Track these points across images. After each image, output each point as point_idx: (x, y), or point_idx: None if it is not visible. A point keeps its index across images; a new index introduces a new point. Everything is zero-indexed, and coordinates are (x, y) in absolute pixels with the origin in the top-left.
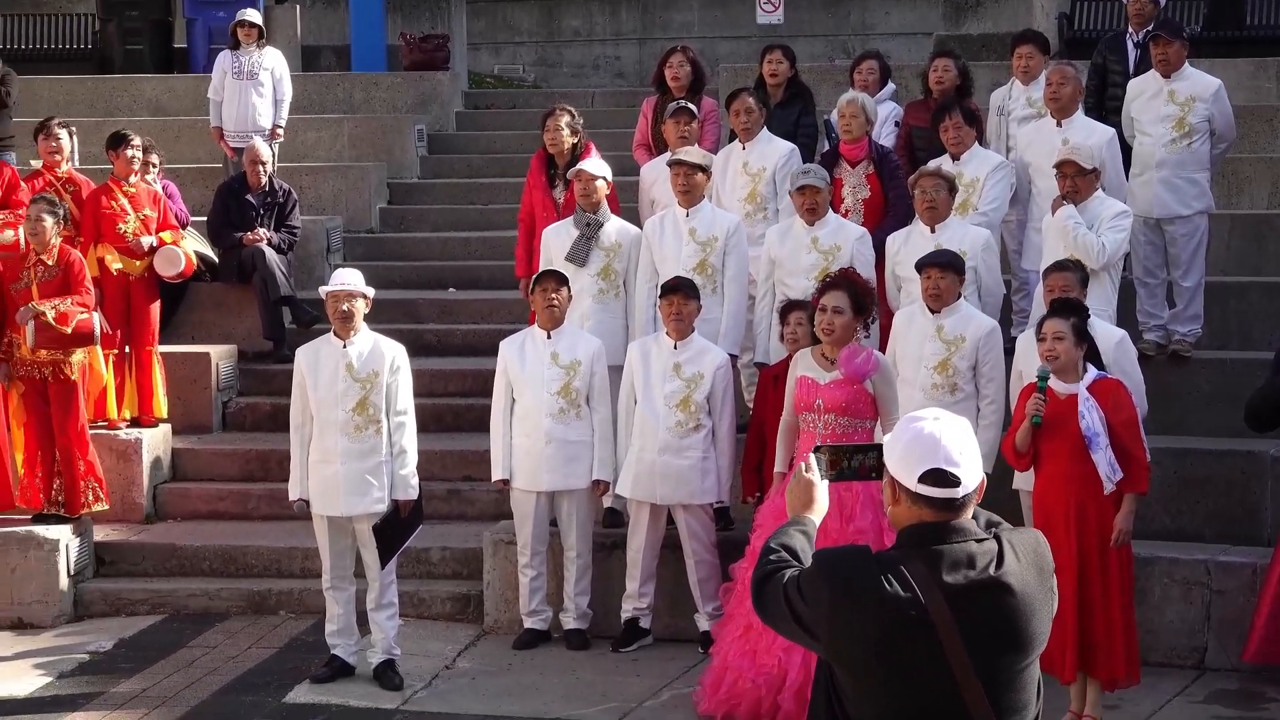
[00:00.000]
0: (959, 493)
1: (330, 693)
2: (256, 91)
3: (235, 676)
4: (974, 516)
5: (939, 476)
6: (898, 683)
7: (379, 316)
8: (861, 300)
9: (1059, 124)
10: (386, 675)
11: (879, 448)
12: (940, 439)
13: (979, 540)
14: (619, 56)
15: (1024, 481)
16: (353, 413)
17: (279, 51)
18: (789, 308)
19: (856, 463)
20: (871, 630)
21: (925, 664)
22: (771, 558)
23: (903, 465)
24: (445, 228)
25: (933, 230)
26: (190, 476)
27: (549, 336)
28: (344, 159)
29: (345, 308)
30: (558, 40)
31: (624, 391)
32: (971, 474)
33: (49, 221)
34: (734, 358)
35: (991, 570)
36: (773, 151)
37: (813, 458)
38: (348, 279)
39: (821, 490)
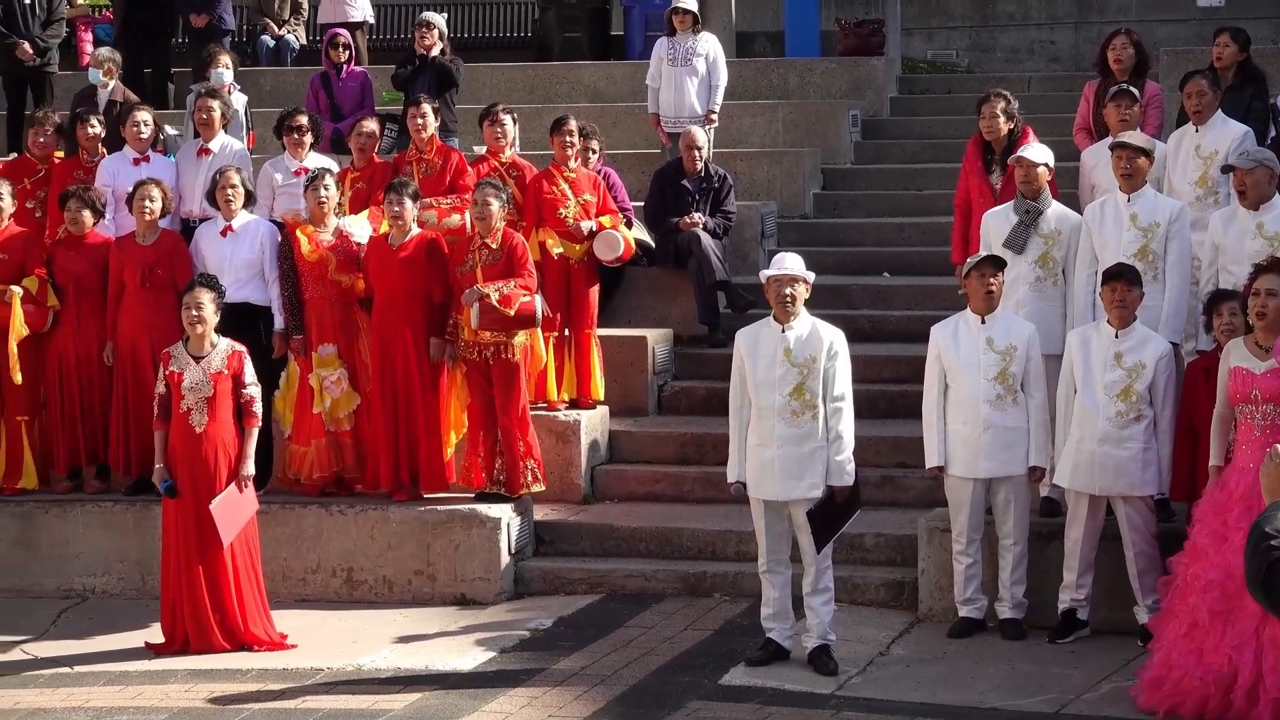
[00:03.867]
0: None
1: (765, 676)
2: (692, 78)
3: (671, 657)
4: None
5: None
6: None
7: (812, 301)
8: None
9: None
10: (821, 660)
11: None
12: None
13: None
14: (1054, 41)
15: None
16: (790, 397)
17: (714, 37)
18: (1219, 298)
19: None
20: None
21: None
22: (1273, 543)
23: None
24: (879, 213)
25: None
26: (627, 458)
27: (983, 322)
28: (778, 144)
29: (786, 292)
30: (991, 25)
31: (1063, 380)
32: None
33: (494, 205)
34: (1176, 346)
35: None
36: (1226, 135)
37: None
38: (789, 264)
39: None
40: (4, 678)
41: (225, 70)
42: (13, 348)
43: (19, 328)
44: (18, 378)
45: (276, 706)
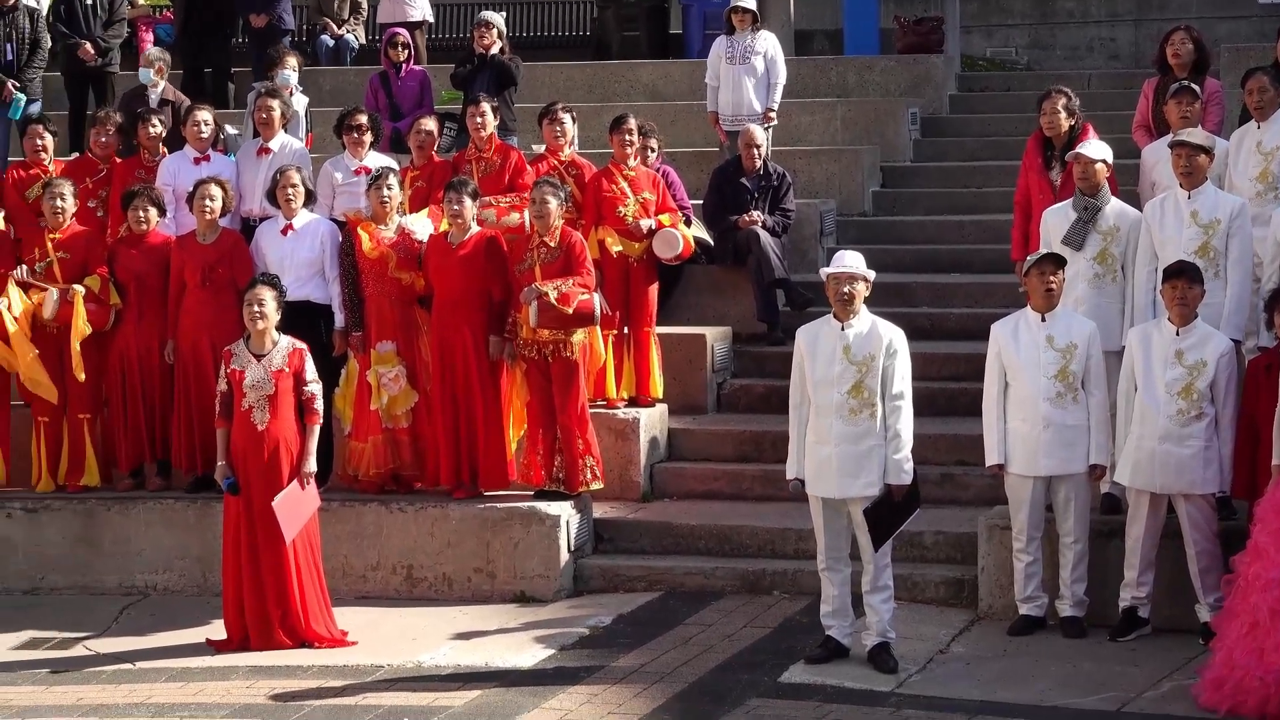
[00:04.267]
0: None
1: (825, 673)
2: (750, 76)
3: (731, 654)
4: None
5: None
6: None
7: (872, 299)
8: None
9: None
10: (881, 658)
11: None
12: None
13: None
14: (1114, 38)
15: None
16: (848, 395)
17: (773, 36)
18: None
19: None
20: None
21: None
22: None
23: None
24: (938, 211)
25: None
26: (686, 456)
27: (1043, 319)
28: (837, 142)
29: (846, 290)
30: (1051, 22)
31: (1124, 378)
32: None
33: (553, 204)
34: (1237, 343)
35: None
36: None
37: None
38: (849, 261)
39: None
40: (67, 674)
41: (291, 72)
42: (75, 346)
43: (81, 326)
44: (81, 375)
45: (337, 703)
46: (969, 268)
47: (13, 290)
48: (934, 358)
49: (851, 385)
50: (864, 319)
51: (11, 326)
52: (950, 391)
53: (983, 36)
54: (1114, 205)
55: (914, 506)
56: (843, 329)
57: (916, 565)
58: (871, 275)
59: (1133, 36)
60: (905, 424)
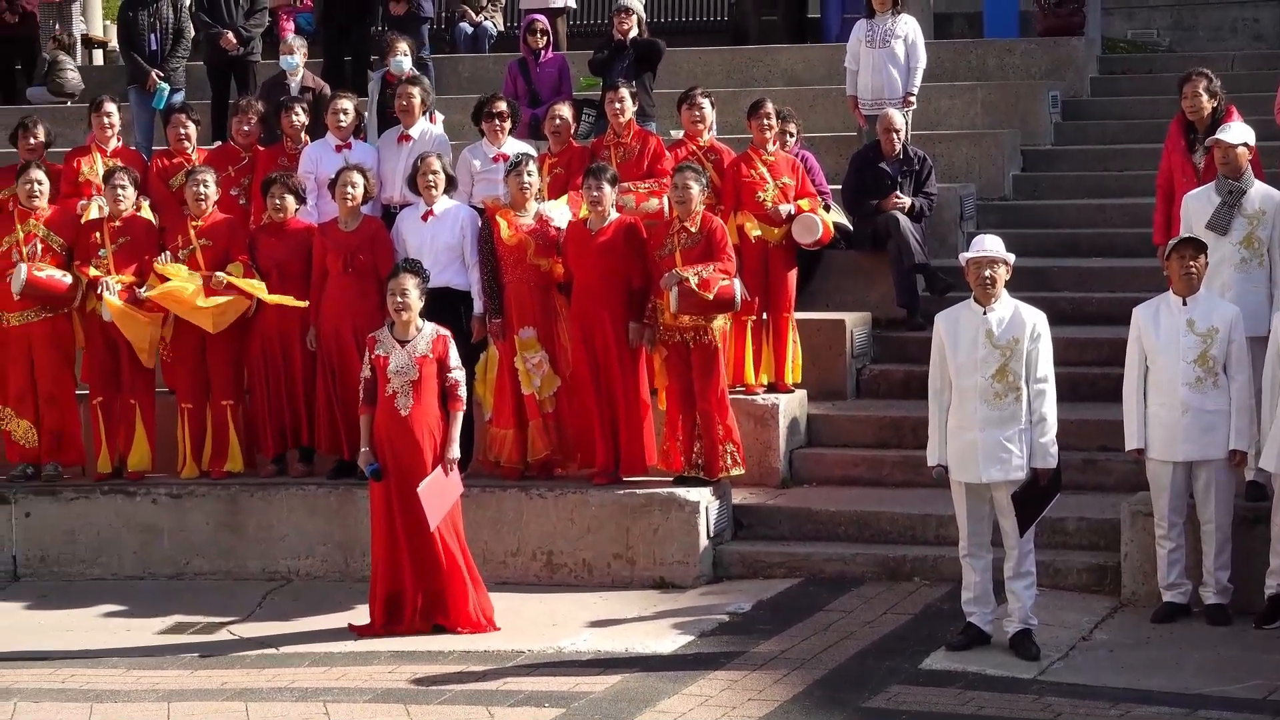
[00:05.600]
0: None
1: (966, 660)
2: (890, 60)
3: (871, 641)
4: None
5: None
6: None
7: (1012, 284)
8: None
9: None
10: (1023, 645)
11: None
12: None
13: None
14: (1258, 19)
15: None
16: (992, 379)
17: (913, 19)
18: None
19: None
20: None
21: None
22: None
23: None
24: (1079, 194)
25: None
26: (825, 442)
27: (1184, 304)
28: (977, 126)
29: (987, 274)
30: (1193, 3)
31: (1269, 363)
32: None
33: (694, 189)
34: None
35: None
36: None
37: None
38: (989, 245)
39: None
40: (212, 658)
41: (404, 57)
42: (269, 297)
43: (260, 294)
44: (282, 301)
45: (478, 688)
46: (1110, 252)
47: (170, 266)
48: (1075, 342)
49: (995, 369)
50: (1006, 303)
51: (115, 304)
52: (1092, 376)
53: (1123, 18)
54: (1259, 188)
55: (1056, 491)
56: (985, 313)
57: (1059, 551)
58: (1012, 259)
59: (1276, 17)
60: (1050, 408)
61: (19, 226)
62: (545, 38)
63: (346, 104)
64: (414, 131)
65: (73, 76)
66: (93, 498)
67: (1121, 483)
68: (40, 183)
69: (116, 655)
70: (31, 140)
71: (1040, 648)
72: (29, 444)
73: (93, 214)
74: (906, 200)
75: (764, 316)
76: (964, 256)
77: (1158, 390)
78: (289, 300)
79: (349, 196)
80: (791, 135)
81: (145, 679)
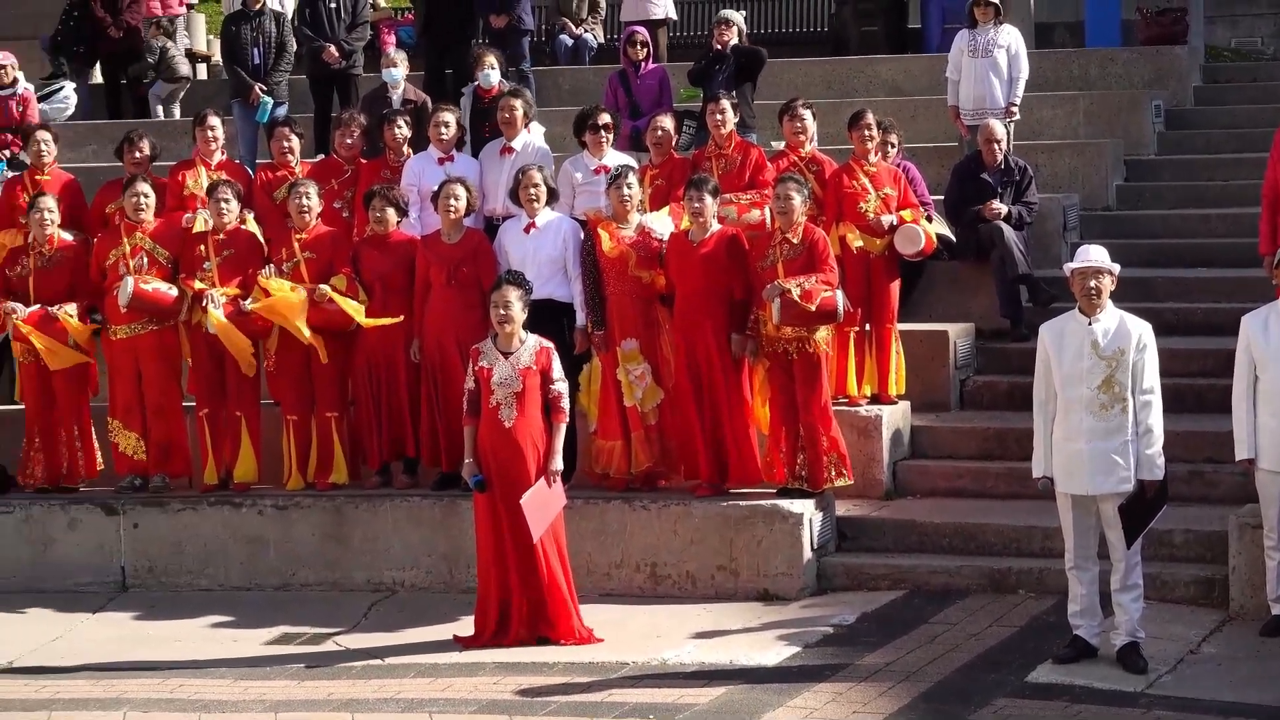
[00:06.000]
0: None
1: (1073, 673)
2: (993, 70)
3: (977, 654)
4: None
5: None
6: None
7: (1115, 294)
8: None
9: None
10: (1130, 658)
11: None
12: None
13: None
14: None
15: None
16: (1098, 390)
17: (1015, 29)
18: None
19: None
20: None
21: None
22: None
23: None
24: (1183, 204)
25: None
26: (929, 454)
27: None
28: (1079, 136)
29: (1092, 284)
30: None
31: None
32: None
33: (797, 200)
34: None
35: None
36: None
37: None
38: (1094, 255)
39: None
40: (318, 669)
41: (492, 70)
42: (366, 321)
43: (359, 317)
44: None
45: (582, 700)
46: (1214, 262)
47: (272, 281)
48: (1179, 353)
49: (1102, 380)
50: (1111, 314)
51: (219, 318)
52: (1198, 388)
53: (1227, 26)
54: None
55: (1163, 503)
56: (1090, 324)
57: (1165, 564)
58: (1117, 269)
59: None
60: (1156, 419)
61: (125, 240)
62: (645, 49)
63: (448, 117)
64: (516, 144)
65: (183, 64)
66: (200, 509)
67: (1229, 495)
68: (146, 196)
69: (224, 666)
70: (137, 154)
71: (1148, 661)
72: (137, 456)
73: (199, 227)
74: (1003, 208)
75: (866, 328)
76: (1068, 267)
77: (1267, 400)
78: (385, 321)
79: (451, 209)
80: (893, 146)
81: (252, 689)
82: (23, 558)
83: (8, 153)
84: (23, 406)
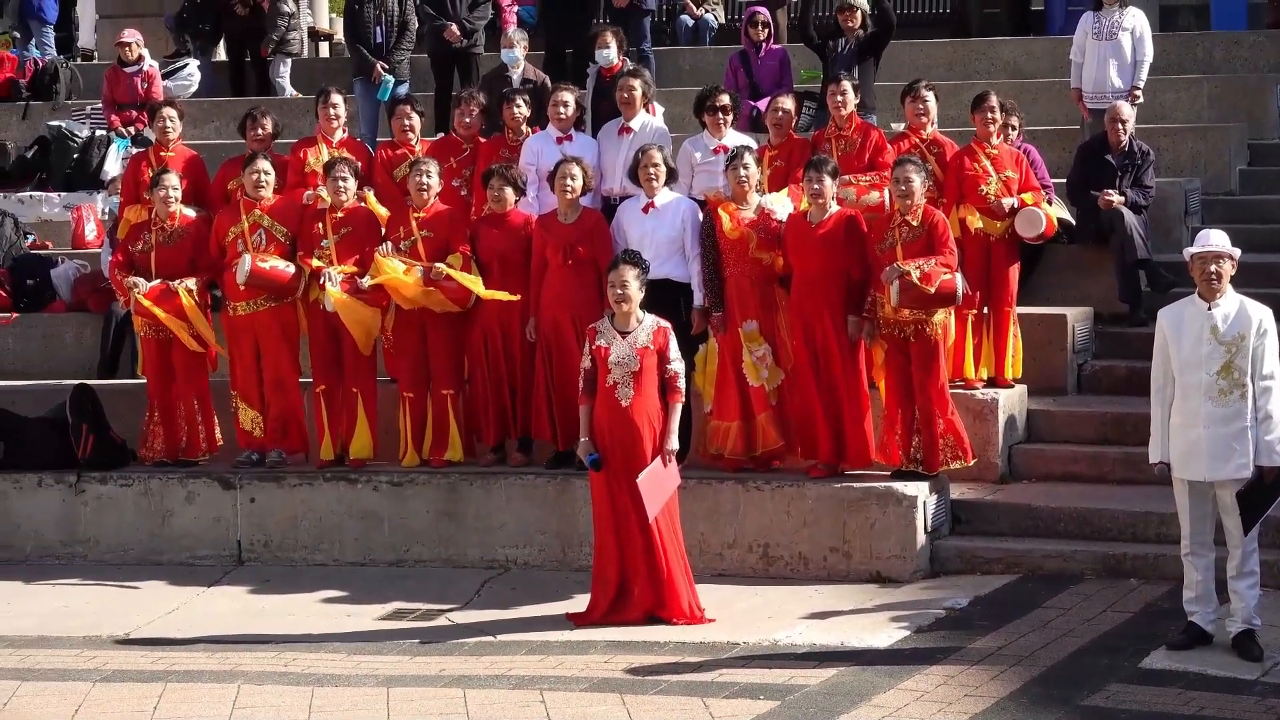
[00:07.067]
0: None
1: (1187, 660)
2: (1116, 52)
3: (1090, 639)
4: None
5: None
6: None
7: (1236, 280)
8: None
9: None
10: (1246, 645)
11: None
12: None
13: None
14: None
15: None
16: (1217, 376)
17: (1140, 11)
18: None
19: None
20: None
21: None
22: None
23: None
24: None
25: None
26: (1045, 438)
27: None
28: (1203, 120)
29: (1213, 269)
30: None
31: None
32: None
33: (916, 182)
34: None
35: None
36: None
37: None
38: (1215, 240)
39: None
40: (430, 644)
41: (609, 49)
42: (485, 293)
43: (476, 288)
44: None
45: (693, 679)
46: None
47: (387, 261)
48: None
49: (1221, 366)
50: (1231, 299)
51: (337, 295)
52: None
53: None
54: None
55: (1279, 490)
56: (1209, 309)
57: None
58: (1238, 254)
59: None
60: (1276, 405)
61: (244, 216)
62: (766, 30)
63: (567, 96)
64: (635, 124)
65: (293, 36)
66: (315, 484)
67: None
68: (266, 173)
69: (337, 640)
70: (259, 131)
71: (1264, 649)
72: (257, 431)
73: (323, 199)
74: (1117, 197)
75: (985, 310)
76: (1189, 251)
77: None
78: (503, 295)
79: (568, 189)
80: (1014, 128)
81: (365, 664)
82: (141, 530)
83: (133, 129)
84: (144, 381)
